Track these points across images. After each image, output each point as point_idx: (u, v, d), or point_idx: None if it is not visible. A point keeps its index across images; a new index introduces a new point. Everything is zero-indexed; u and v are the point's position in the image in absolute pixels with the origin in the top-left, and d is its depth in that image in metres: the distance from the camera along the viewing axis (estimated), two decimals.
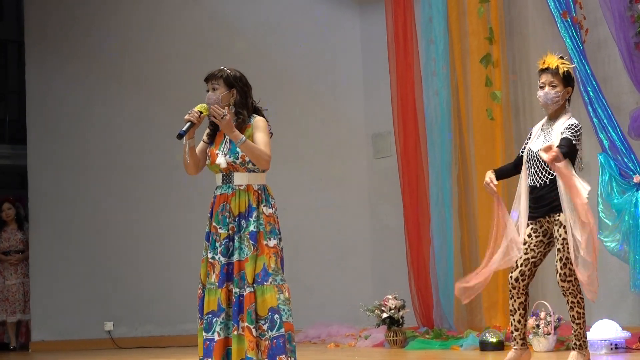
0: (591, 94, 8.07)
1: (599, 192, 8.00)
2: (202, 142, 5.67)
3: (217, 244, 5.46)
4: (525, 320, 6.36)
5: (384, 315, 9.44)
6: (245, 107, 5.56)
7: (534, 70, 9.32)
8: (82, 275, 11.54)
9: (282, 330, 5.34)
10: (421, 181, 10.09)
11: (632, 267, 7.68)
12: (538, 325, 7.95)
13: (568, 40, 8.26)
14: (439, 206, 9.76)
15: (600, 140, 8.03)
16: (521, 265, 6.22)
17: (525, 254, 6.19)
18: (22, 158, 12.30)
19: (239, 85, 5.55)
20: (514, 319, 6.32)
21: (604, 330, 7.58)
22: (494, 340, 8.29)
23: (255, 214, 5.45)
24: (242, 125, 5.51)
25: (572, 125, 6.10)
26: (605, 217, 7.94)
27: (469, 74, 9.64)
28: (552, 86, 6.23)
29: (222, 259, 5.42)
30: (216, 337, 5.37)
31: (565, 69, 6.25)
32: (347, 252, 11.57)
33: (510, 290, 6.29)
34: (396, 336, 9.43)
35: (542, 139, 6.23)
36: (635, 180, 7.74)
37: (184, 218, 11.34)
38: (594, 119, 8.05)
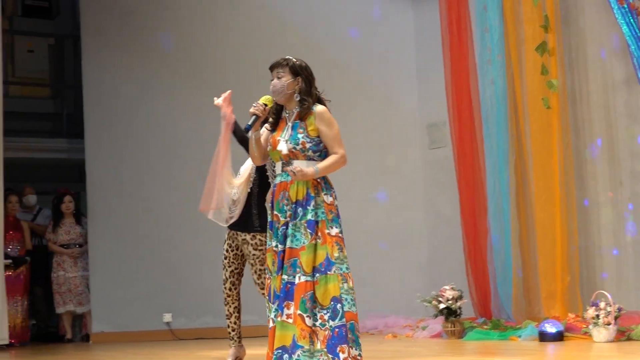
0: None
1: None
2: (265, 130, 5.72)
3: (279, 232, 5.51)
4: (240, 321, 7.41)
5: (442, 306, 9.43)
6: (309, 95, 5.59)
7: (591, 58, 9.32)
8: (140, 268, 11.66)
9: (344, 320, 5.35)
10: (477, 171, 10.05)
11: None
12: (598, 316, 7.89)
13: (625, 27, 8.19)
14: (495, 196, 9.71)
15: None
16: (231, 276, 7.35)
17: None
18: (79, 152, 12.46)
19: (304, 74, 5.60)
20: (230, 322, 7.36)
21: None
22: (553, 330, 8.26)
23: (313, 202, 5.47)
24: (305, 112, 5.56)
25: None
26: None
27: (524, 63, 9.56)
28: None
29: (279, 246, 5.48)
30: (270, 324, 5.43)
31: None
32: (403, 243, 11.55)
33: (226, 298, 7.36)
34: (454, 327, 9.42)
35: None
36: None
37: None
38: None
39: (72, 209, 12.09)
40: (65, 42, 15.47)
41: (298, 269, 5.39)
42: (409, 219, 11.62)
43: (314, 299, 5.38)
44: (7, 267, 11.12)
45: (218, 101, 7.17)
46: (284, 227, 5.48)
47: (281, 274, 5.43)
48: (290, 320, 5.35)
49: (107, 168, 11.91)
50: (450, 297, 9.42)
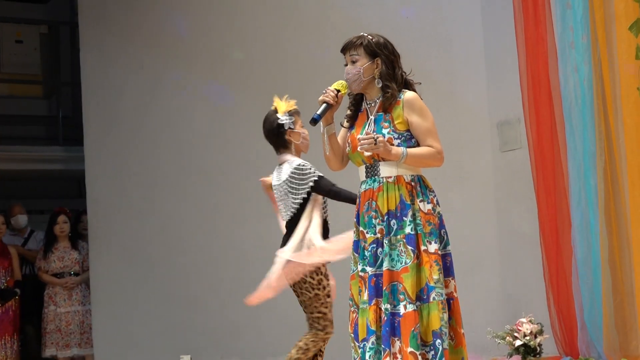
0: None
1: None
2: (342, 127, 5.70)
3: (366, 252, 5.41)
4: None
5: (517, 342, 9.38)
6: (393, 79, 5.58)
7: None
8: (152, 300, 11.70)
9: None
10: (559, 177, 9.97)
11: None
12: None
13: None
14: (581, 207, 9.63)
15: None
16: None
17: None
18: (79, 162, 12.58)
19: (383, 54, 5.59)
20: None
21: None
22: None
23: (410, 212, 5.40)
24: (390, 101, 5.52)
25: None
26: None
27: (615, 45, 9.51)
28: None
29: (369, 269, 5.36)
30: None
31: None
32: (471, 265, 11.48)
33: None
34: None
35: None
36: None
37: (274, 230, 11.44)
38: None
39: (68, 230, 12.14)
40: (61, 30, 15.66)
41: (402, 296, 5.29)
42: (477, 235, 11.52)
43: None
44: None
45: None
46: (374, 246, 5.38)
47: (375, 304, 5.33)
48: None
49: (111, 181, 11.97)
50: (528, 331, 9.37)
